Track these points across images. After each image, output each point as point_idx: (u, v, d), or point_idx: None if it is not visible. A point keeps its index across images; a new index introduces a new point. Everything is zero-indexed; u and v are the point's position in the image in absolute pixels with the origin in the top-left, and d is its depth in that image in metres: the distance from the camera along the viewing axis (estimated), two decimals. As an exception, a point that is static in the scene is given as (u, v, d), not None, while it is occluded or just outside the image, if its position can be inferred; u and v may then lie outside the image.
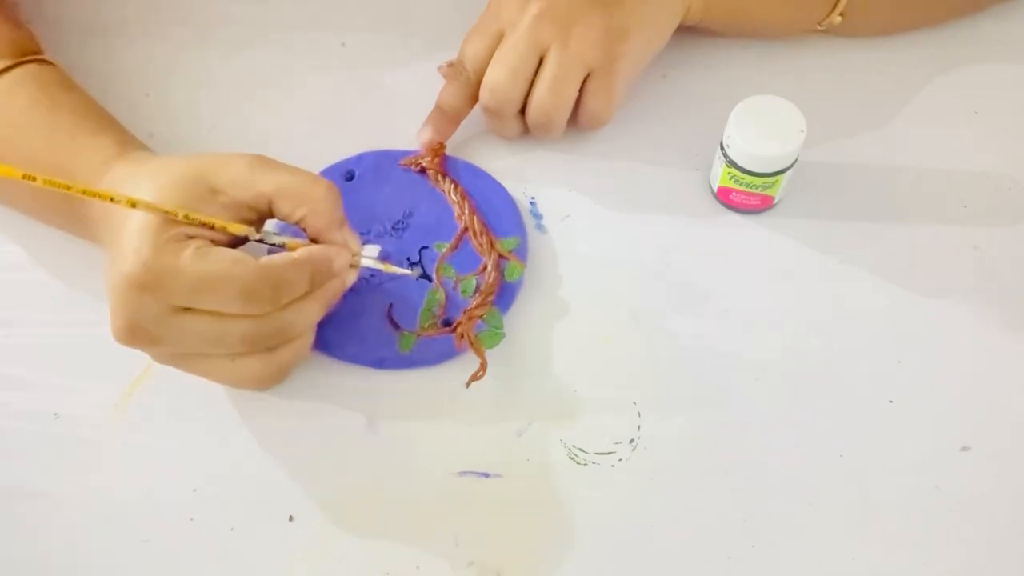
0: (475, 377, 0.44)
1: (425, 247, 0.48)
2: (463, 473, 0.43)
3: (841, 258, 0.48)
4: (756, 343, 0.46)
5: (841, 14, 0.52)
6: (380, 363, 0.45)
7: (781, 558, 0.41)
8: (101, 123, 0.45)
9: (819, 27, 0.53)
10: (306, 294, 0.40)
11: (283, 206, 0.40)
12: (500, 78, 0.47)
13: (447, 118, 0.50)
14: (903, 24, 0.55)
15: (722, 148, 0.47)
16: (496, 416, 0.44)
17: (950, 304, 0.47)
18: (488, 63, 0.48)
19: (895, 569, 0.41)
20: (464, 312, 0.46)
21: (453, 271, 0.47)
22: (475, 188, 0.49)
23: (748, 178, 0.46)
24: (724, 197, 0.49)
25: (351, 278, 0.43)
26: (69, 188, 0.35)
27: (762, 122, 0.45)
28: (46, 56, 0.48)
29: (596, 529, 0.42)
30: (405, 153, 0.50)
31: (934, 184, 0.50)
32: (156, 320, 0.38)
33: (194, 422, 0.44)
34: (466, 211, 0.48)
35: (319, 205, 0.40)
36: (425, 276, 0.46)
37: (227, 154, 0.40)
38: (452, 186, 0.49)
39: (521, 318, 0.47)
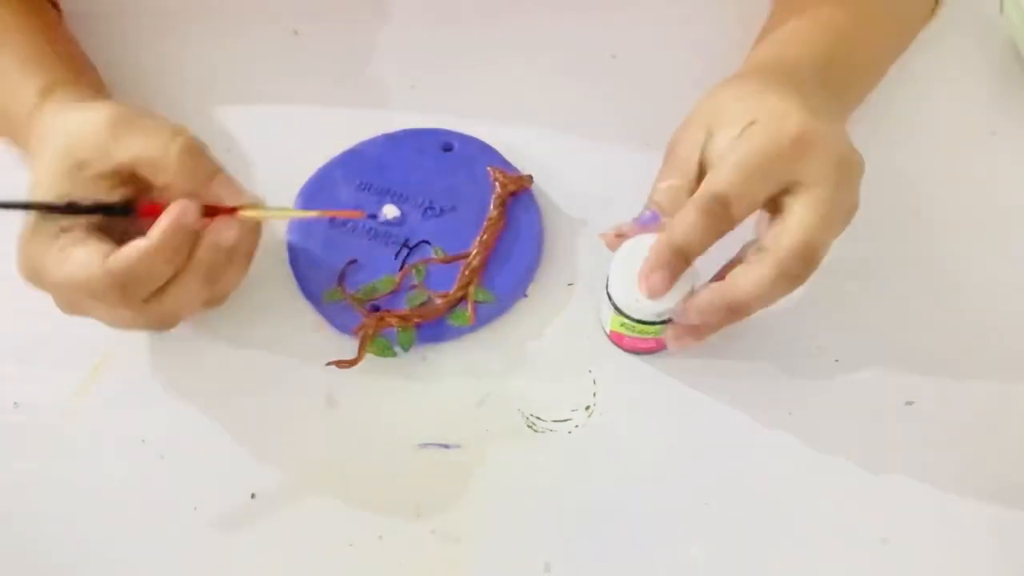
0: (341, 363, 0.44)
1: (428, 243, 0.47)
2: (424, 445, 0.44)
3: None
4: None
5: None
6: (309, 295, 0.46)
7: (732, 513, 0.42)
8: (34, 65, 0.46)
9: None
10: (183, 274, 0.39)
11: (144, 173, 0.39)
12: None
13: (686, 261, 0.40)
14: None
15: (608, 295, 0.42)
16: (456, 388, 0.45)
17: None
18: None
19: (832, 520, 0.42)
20: (384, 311, 0.45)
21: (424, 278, 0.46)
22: (522, 234, 0.48)
23: (639, 326, 0.43)
24: (618, 341, 0.45)
25: (249, 243, 0.42)
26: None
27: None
28: None
29: (554, 494, 0.43)
30: (505, 163, 0.50)
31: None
32: (67, 304, 0.40)
33: (154, 406, 0.45)
34: (482, 243, 0.47)
35: (175, 171, 0.39)
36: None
37: (91, 116, 0.39)
38: (497, 216, 0.47)
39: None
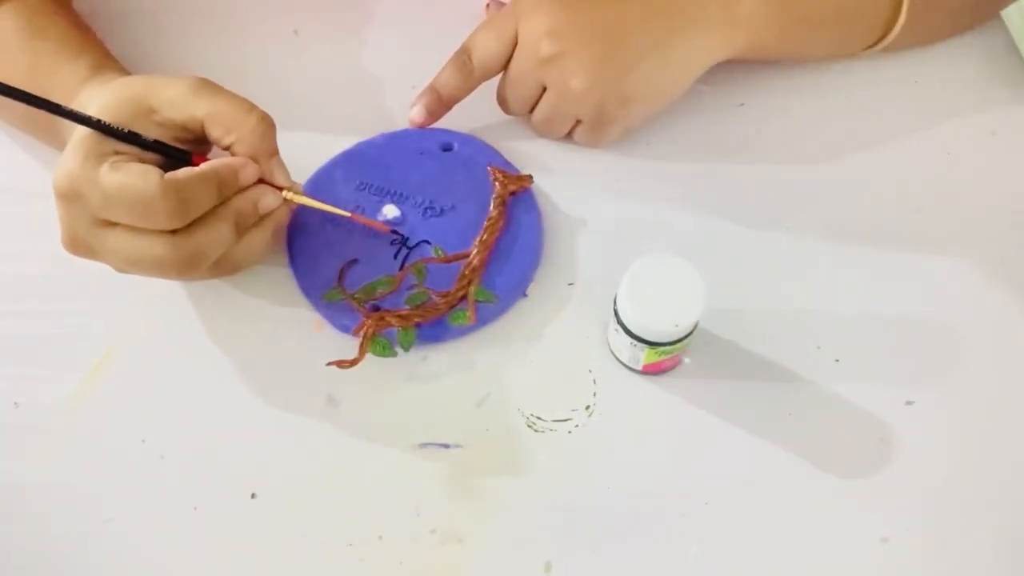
0: (341, 363, 0.43)
1: (428, 243, 0.47)
2: (424, 445, 0.44)
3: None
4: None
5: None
6: (307, 293, 0.46)
7: (732, 512, 0.42)
8: (81, 47, 0.47)
9: (866, 52, 0.52)
10: (217, 213, 0.41)
11: (213, 131, 0.42)
12: (507, 97, 0.50)
13: (441, 102, 0.50)
14: (944, 34, 0.54)
15: (616, 315, 0.42)
16: (456, 388, 0.45)
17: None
18: (495, 65, 0.48)
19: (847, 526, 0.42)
20: (384, 310, 0.45)
21: (424, 278, 0.46)
22: (521, 233, 0.48)
23: (648, 348, 0.42)
24: (656, 368, 0.44)
25: (280, 214, 0.44)
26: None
27: (657, 289, 0.40)
28: None
29: (554, 494, 0.43)
30: (505, 163, 0.50)
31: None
32: (87, 231, 0.40)
33: (153, 406, 0.45)
34: (482, 243, 0.46)
35: (247, 135, 0.42)
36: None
37: (175, 76, 0.42)
38: (497, 215, 0.47)
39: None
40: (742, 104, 0.53)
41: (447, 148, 0.50)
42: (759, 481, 0.43)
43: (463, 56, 0.49)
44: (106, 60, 0.48)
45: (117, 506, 0.43)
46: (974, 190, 0.50)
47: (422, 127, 0.51)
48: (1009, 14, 0.54)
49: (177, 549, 0.42)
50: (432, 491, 0.43)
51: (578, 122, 0.49)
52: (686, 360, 0.45)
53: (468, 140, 0.51)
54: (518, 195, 0.49)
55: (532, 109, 0.50)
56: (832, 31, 0.50)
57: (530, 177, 0.49)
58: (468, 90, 0.50)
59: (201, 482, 0.43)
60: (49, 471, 0.44)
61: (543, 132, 0.51)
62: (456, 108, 0.51)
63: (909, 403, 0.44)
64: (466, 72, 0.49)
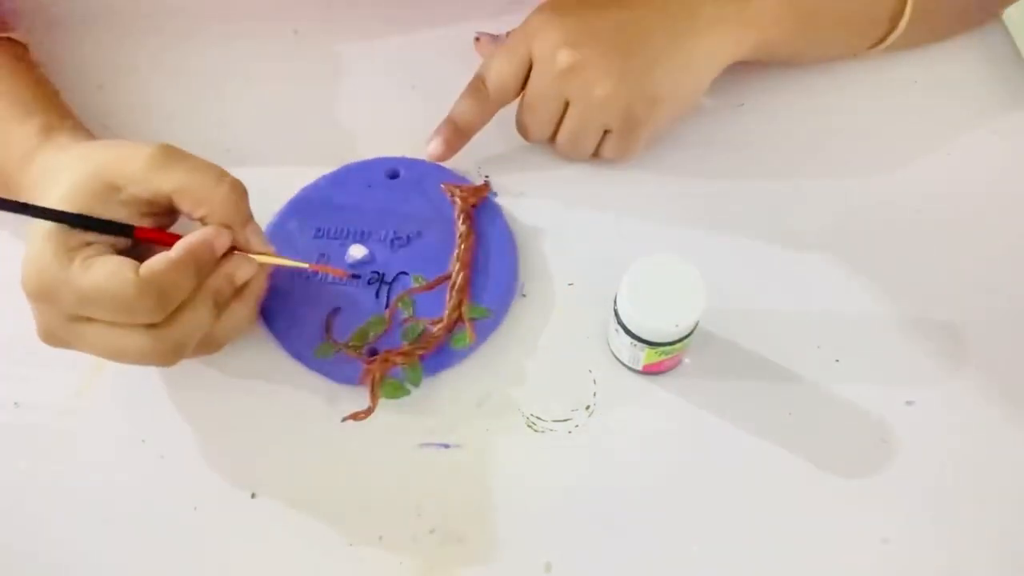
0: (356, 416, 0.43)
1: (405, 273, 0.47)
2: (424, 445, 0.44)
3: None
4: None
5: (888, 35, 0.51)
6: (298, 356, 0.45)
7: (732, 512, 0.42)
8: (31, 107, 0.45)
9: (869, 51, 0.52)
10: (196, 297, 0.39)
11: (183, 205, 0.40)
12: (528, 121, 0.48)
13: (459, 133, 0.49)
14: (945, 33, 0.54)
15: (616, 315, 0.42)
16: (456, 388, 0.45)
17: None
18: (511, 87, 0.47)
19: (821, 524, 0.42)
20: (385, 351, 0.44)
21: (412, 309, 0.46)
22: (493, 241, 0.47)
23: (648, 348, 0.42)
24: (657, 368, 0.45)
25: (258, 284, 0.42)
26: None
27: (657, 289, 0.40)
28: (11, 33, 0.48)
29: (554, 493, 0.43)
30: (457, 178, 0.49)
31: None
32: (62, 327, 0.39)
33: (155, 405, 0.45)
34: (461, 260, 0.46)
35: (219, 207, 0.40)
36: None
37: (133, 147, 0.40)
38: (466, 230, 0.47)
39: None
40: (742, 104, 0.53)
41: (393, 175, 0.49)
42: (759, 481, 0.43)
43: (477, 83, 0.48)
44: (58, 120, 0.45)
45: (117, 506, 0.43)
46: (974, 190, 0.50)
47: (441, 161, 0.49)
48: (1009, 14, 0.54)
49: (177, 549, 0.42)
50: (432, 491, 0.43)
51: (605, 134, 0.48)
52: (686, 360, 0.46)
53: (413, 163, 0.50)
54: (479, 205, 0.48)
55: (554, 131, 0.49)
56: (839, 27, 0.50)
57: (487, 185, 0.49)
58: (485, 118, 0.49)
59: (201, 482, 0.43)
60: (49, 471, 0.44)
61: (569, 153, 0.49)
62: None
63: (909, 403, 0.44)
64: (481, 98, 0.48)
